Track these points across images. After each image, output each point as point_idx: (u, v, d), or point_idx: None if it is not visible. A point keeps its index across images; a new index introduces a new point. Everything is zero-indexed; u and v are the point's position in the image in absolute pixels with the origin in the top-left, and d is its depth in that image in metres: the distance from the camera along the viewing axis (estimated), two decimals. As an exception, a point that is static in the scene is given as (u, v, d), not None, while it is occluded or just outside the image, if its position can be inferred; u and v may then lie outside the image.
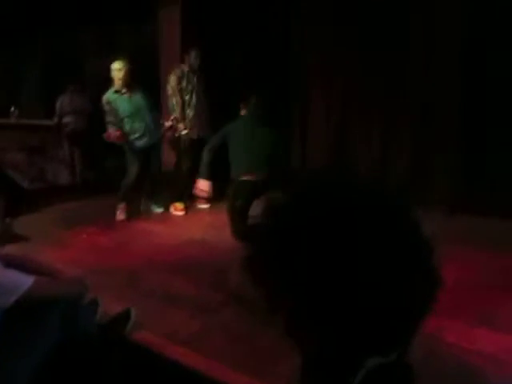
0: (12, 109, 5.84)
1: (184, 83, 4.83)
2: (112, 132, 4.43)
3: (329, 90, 5.54)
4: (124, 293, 2.82)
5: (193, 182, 4.88)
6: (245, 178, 3.64)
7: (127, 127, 4.51)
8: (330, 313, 0.56)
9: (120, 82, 4.40)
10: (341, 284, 0.54)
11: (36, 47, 8.14)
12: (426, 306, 0.59)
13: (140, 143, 4.58)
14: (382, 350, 0.59)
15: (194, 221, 4.65)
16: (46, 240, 3.88)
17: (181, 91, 4.83)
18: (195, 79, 4.88)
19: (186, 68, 4.87)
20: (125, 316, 2.28)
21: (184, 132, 4.86)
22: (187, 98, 4.87)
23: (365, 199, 0.59)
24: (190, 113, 4.87)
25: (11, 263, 1.73)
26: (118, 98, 4.46)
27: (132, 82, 4.50)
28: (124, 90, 4.46)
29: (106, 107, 4.45)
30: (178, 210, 4.90)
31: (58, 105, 6.54)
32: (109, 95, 4.49)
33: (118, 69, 4.38)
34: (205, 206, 5.10)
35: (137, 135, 4.55)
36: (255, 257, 0.63)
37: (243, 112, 3.92)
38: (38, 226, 4.29)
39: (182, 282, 3.02)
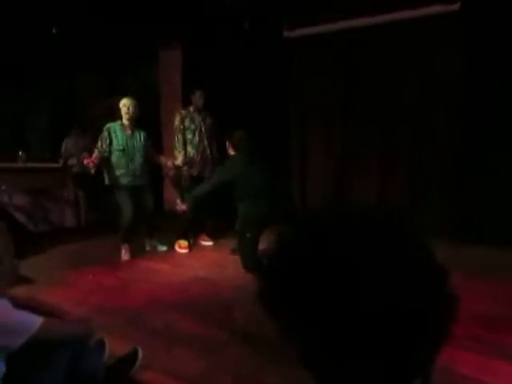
0: (20, 153, 5.97)
1: (187, 122, 4.99)
2: (88, 156, 4.50)
3: (327, 128, 5.67)
4: (129, 332, 2.81)
5: (196, 220, 4.97)
6: (252, 214, 3.85)
7: (114, 160, 4.55)
8: (347, 344, 0.55)
9: (127, 116, 4.55)
10: (354, 315, 0.54)
11: (42, 92, 8.38)
12: (445, 327, 0.58)
13: (124, 181, 4.58)
14: (403, 378, 0.57)
15: (198, 258, 4.66)
16: (52, 281, 3.89)
17: (183, 130, 4.98)
18: (200, 119, 5.03)
19: (191, 108, 5.04)
20: (132, 356, 2.27)
21: (184, 168, 4.95)
22: (189, 136, 5.00)
23: (372, 229, 0.59)
24: (191, 151, 4.99)
25: (19, 304, 1.75)
26: (119, 131, 4.57)
27: (136, 121, 4.65)
28: (128, 126, 4.60)
29: (104, 133, 4.54)
30: (181, 247, 4.92)
31: (63, 147, 6.70)
32: (113, 124, 4.62)
33: (125, 105, 4.54)
34: (208, 243, 5.14)
35: (122, 171, 4.57)
36: (266, 291, 0.64)
37: (232, 151, 4.11)
38: (43, 268, 4.31)
39: (188, 321, 3.01)
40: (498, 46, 4.47)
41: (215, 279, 3.87)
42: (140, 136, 4.69)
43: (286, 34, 5.67)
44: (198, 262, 4.51)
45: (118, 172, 4.57)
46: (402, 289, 0.54)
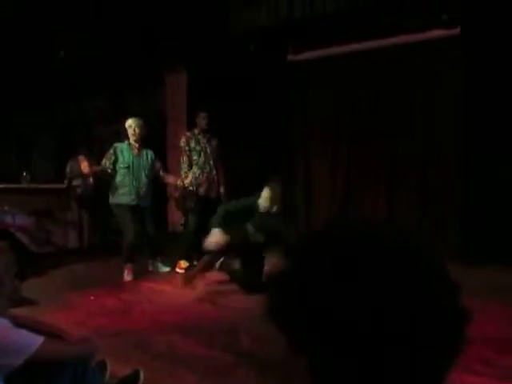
0: (24, 174, 6.00)
1: (193, 144, 5.03)
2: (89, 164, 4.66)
3: (332, 150, 5.68)
4: (132, 355, 2.74)
5: (199, 240, 4.93)
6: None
7: (119, 178, 4.60)
8: (357, 356, 0.53)
9: (134, 138, 4.63)
10: (363, 328, 0.52)
11: (49, 115, 8.48)
12: (457, 344, 0.56)
13: (126, 199, 4.60)
14: None
15: (201, 279, 4.59)
16: (54, 303, 3.84)
17: (189, 151, 5.02)
18: (205, 140, 5.08)
19: (196, 130, 5.10)
20: (133, 377, 2.21)
21: (190, 189, 4.96)
22: (195, 157, 5.03)
23: (381, 242, 0.58)
24: (197, 171, 5.00)
25: (20, 324, 1.71)
26: (126, 150, 4.64)
27: (143, 141, 4.72)
28: (136, 146, 4.65)
29: (110, 151, 4.61)
30: (181, 268, 4.87)
31: (67, 169, 6.72)
32: (120, 144, 4.71)
33: (131, 126, 4.61)
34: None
35: (125, 190, 4.60)
36: (278, 304, 0.62)
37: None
38: (45, 289, 4.26)
39: (191, 343, 2.94)
40: (497, 67, 4.51)
41: (219, 301, 3.81)
42: (147, 155, 4.76)
43: (290, 57, 5.74)
44: (200, 282, 4.45)
45: (122, 190, 4.60)
46: (414, 304, 0.53)
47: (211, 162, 5.09)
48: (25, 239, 5.43)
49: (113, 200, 4.65)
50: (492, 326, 3.04)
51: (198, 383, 2.42)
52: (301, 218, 5.83)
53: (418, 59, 4.99)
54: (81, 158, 4.81)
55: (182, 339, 3.00)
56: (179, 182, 4.93)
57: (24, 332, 1.61)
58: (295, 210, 5.89)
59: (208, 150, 5.08)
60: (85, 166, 4.55)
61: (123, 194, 4.59)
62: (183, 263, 4.89)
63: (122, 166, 4.59)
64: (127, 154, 4.62)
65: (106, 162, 4.59)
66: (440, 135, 4.96)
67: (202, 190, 5.02)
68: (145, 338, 3.03)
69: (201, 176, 5.02)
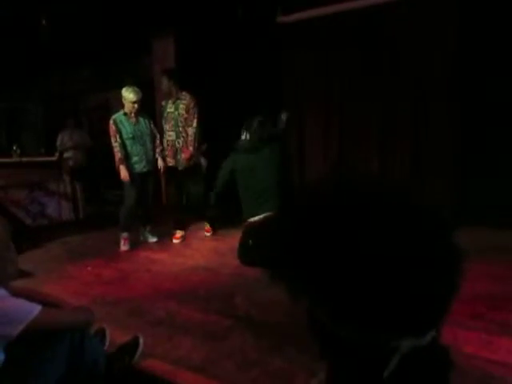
0: (14, 147, 5.93)
1: (165, 113, 4.83)
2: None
3: (324, 113, 5.63)
4: (130, 323, 2.79)
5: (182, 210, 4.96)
6: (256, 218, 3.76)
7: (128, 149, 4.58)
8: (360, 292, 0.55)
9: (131, 110, 4.54)
10: (360, 269, 0.54)
11: (35, 87, 8.30)
12: (452, 280, 0.58)
13: (138, 167, 4.61)
14: (415, 330, 0.56)
15: (198, 248, 4.63)
16: (51, 274, 3.87)
17: (163, 120, 4.84)
18: (171, 105, 4.76)
19: (168, 98, 4.82)
20: (133, 344, 2.25)
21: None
22: (165, 126, 4.83)
23: (375, 193, 0.60)
24: (164, 141, 4.83)
25: (17, 294, 1.72)
26: (125, 120, 4.58)
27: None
28: (132, 115, 4.59)
29: (112, 127, 4.52)
30: (176, 238, 4.90)
31: (58, 141, 6.66)
32: (117, 116, 4.60)
33: (132, 101, 4.49)
34: (208, 233, 5.11)
35: (136, 159, 4.60)
36: (279, 255, 0.63)
37: (242, 138, 3.98)
38: (41, 262, 4.28)
39: (189, 309, 2.99)
40: (491, 21, 4.43)
41: (215, 268, 3.85)
42: (145, 121, 4.71)
43: (279, 19, 5.60)
44: (197, 251, 4.49)
45: (134, 159, 4.60)
46: (412, 246, 0.55)
47: (178, 129, 4.73)
48: (19, 213, 5.44)
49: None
50: (483, 284, 3.11)
51: (195, 348, 2.47)
52: (294, 178, 5.84)
53: (408, 17, 4.88)
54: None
55: (179, 305, 3.05)
56: (160, 163, 4.80)
57: (22, 301, 1.63)
58: (288, 171, 5.90)
59: (174, 115, 4.74)
60: (124, 176, 4.50)
61: (135, 163, 4.59)
62: (178, 233, 4.91)
63: (126, 136, 4.55)
64: (127, 125, 4.58)
65: (117, 140, 4.51)
66: (433, 94, 4.91)
67: (169, 160, 4.81)
68: (142, 305, 3.07)
69: (166, 144, 4.81)
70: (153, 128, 4.80)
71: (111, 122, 4.56)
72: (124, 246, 4.66)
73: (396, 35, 5.01)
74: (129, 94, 4.49)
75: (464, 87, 4.67)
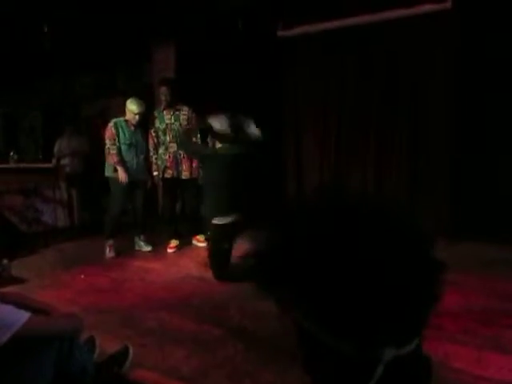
0: (11, 153, 5.93)
1: (157, 123, 4.79)
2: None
3: (322, 126, 5.66)
4: (121, 332, 2.77)
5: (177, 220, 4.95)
6: (226, 221, 3.68)
7: (121, 155, 4.62)
8: (347, 303, 0.57)
9: (133, 121, 4.62)
10: (346, 281, 0.56)
11: (34, 93, 8.33)
12: (433, 290, 0.61)
13: (128, 175, 4.61)
14: (398, 340, 0.59)
15: (192, 257, 4.61)
16: (44, 281, 3.85)
17: (155, 132, 4.80)
18: (170, 116, 4.75)
19: (162, 107, 4.82)
20: (122, 354, 2.24)
21: (155, 173, 4.83)
22: (162, 137, 4.79)
23: (359, 211, 0.63)
24: (162, 152, 4.80)
25: (6, 301, 1.72)
26: (125, 126, 4.64)
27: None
28: (133, 124, 4.66)
29: (111, 130, 4.57)
30: (171, 247, 4.89)
31: (56, 147, 6.66)
32: (118, 120, 4.66)
33: (136, 113, 4.56)
34: (202, 244, 5.09)
35: (127, 165, 4.63)
36: (267, 270, 0.65)
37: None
38: (35, 268, 4.27)
39: (181, 319, 2.98)
40: (489, 40, 4.48)
41: (209, 277, 3.82)
42: (141, 132, 4.77)
43: (280, 33, 5.66)
44: (191, 261, 4.47)
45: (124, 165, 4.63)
46: (392, 255, 0.58)
47: (179, 140, 4.70)
48: (14, 219, 5.43)
49: (113, 174, 4.63)
50: (477, 298, 3.12)
51: (186, 358, 2.45)
52: (291, 190, 5.86)
53: (408, 34, 4.93)
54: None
55: (170, 315, 3.04)
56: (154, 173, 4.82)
57: (10, 308, 1.62)
58: (286, 183, 5.93)
59: (175, 126, 4.75)
60: (122, 177, 4.53)
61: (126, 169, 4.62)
62: (173, 243, 4.90)
63: (122, 142, 4.61)
64: (126, 131, 4.64)
65: (115, 143, 4.57)
66: (430, 111, 4.95)
67: (169, 171, 4.77)
68: (134, 314, 3.05)
69: (167, 156, 4.77)
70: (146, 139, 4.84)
71: (111, 124, 4.62)
72: (110, 253, 4.67)
73: (394, 50, 5.06)
74: (132, 106, 4.57)
75: (462, 100, 4.70)
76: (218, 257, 3.72)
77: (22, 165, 5.95)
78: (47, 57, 6.85)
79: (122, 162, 4.60)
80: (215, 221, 3.72)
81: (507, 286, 3.33)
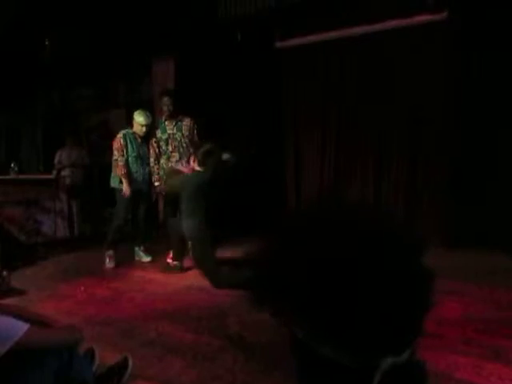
0: (12, 165, 5.95)
1: (159, 133, 4.84)
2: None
3: (321, 136, 5.70)
4: (121, 343, 2.76)
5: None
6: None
7: (129, 166, 4.69)
8: (337, 320, 0.58)
9: (140, 133, 4.71)
10: (342, 293, 0.57)
11: (36, 105, 8.39)
12: (425, 299, 0.62)
13: (134, 186, 4.69)
14: (393, 349, 0.59)
15: (192, 267, 4.60)
16: (44, 293, 3.84)
17: (157, 142, 4.83)
18: (172, 126, 4.78)
19: (163, 117, 4.88)
20: (122, 365, 2.23)
21: (157, 184, 4.86)
22: (163, 147, 4.83)
23: (354, 225, 0.63)
24: (164, 162, 4.83)
25: (5, 313, 1.72)
26: (133, 139, 4.72)
27: None
28: (140, 135, 4.75)
29: (120, 142, 4.63)
30: (170, 257, 4.87)
31: (56, 158, 6.69)
32: (127, 132, 4.72)
33: (144, 125, 4.66)
34: None
35: (133, 177, 4.71)
36: (264, 281, 0.66)
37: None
38: (35, 279, 4.27)
39: (181, 330, 2.97)
40: (485, 49, 4.53)
41: (209, 287, 3.82)
42: (145, 144, 4.83)
43: (277, 44, 5.71)
44: (191, 271, 4.46)
45: (131, 177, 4.70)
46: (383, 264, 0.58)
47: (182, 150, 4.77)
48: (14, 230, 5.43)
49: (119, 185, 4.68)
50: (474, 307, 3.12)
51: (186, 369, 2.44)
52: (291, 201, 5.88)
53: (405, 44, 4.99)
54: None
55: (170, 326, 3.03)
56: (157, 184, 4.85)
57: (8, 319, 1.62)
58: (285, 194, 5.95)
59: (177, 136, 4.79)
60: (126, 190, 4.59)
61: (132, 181, 4.68)
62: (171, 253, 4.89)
63: (130, 154, 4.69)
64: (134, 143, 4.72)
65: (123, 154, 4.63)
66: (428, 121, 4.98)
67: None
68: (133, 325, 3.05)
69: (168, 166, 4.76)
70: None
71: (120, 136, 4.68)
72: (109, 264, 4.68)
73: (392, 59, 5.11)
74: (140, 118, 4.67)
75: (460, 114, 4.73)
76: (205, 264, 3.80)
77: (22, 176, 5.96)
78: (48, 70, 6.92)
79: (128, 174, 4.65)
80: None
81: (508, 295, 3.32)
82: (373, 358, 0.58)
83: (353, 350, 0.58)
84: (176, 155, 4.79)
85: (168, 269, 4.45)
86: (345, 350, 0.58)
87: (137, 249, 4.97)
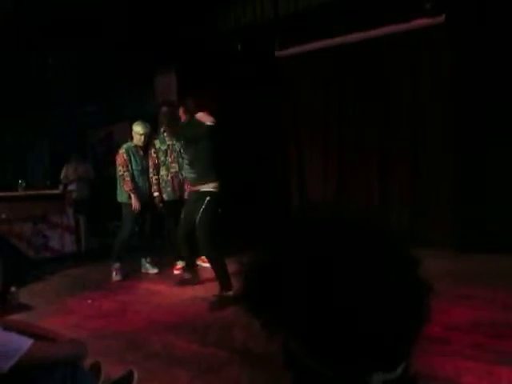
0: (20, 181, 6.03)
1: (158, 144, 4.85)
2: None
3: (323, 142, 5.71)
4: (127, 355, 2.77)
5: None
6: None
7: (134, 180, 4.72)
8: (330, 338, 0.56)
9: (140, 144, 4.76)
10: (331, 306, 0.56)
11: (43, 122, 8.49)
12: (421, 315, 0.60)
13: (141, 199, 4.71)
14: (385, 366, 0.58)
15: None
16: (51, 307, 3.87)
17: (156, 153, 4.83)
18: (171, 137, 4.77)
19: (162, 128, 4.88)
20: (127, 379, 2.23)
21: (156, 194, 4.84)
22: (162, 158, 4.83)
23: (349, 232, 0.62)
24: (163, 173, 4.83)
25: (10, 328, 1.73)
26: (136, 153, 4.76)
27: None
28: (141, 148, 4.80)
29: (123, 157, 4.65)
30: (177, 269, 4.88)
31: (62, 173, 6.76)
32: (129, 146, 4.75)
33: (142, 134, 4.71)
34: (207, 264, 5.06)
35: (140, 190, 4.74)
36: (253, 290, 0.65)
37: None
38: (42, 294, 4.30)
39: (186, 341, 2.97)
40: (483, 53, 4.53)
41: (213, 298, 3.81)
42: (147, 156, 4.87)
43: (277, 53, 5.76)
44: (197, 282, 4.47)
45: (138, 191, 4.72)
46: (375, 286, 0.57)
47: (181, 160, 4.69)
48: (22, 245, 5.48)
49: (127, 200, 4.70)
50: (486, 311, 3.08)
51: (192, 381, 2.44)
52: (295, 204, 5.88)
53: (404, 49, 5.00)
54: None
55: (176, 338, 3.03)
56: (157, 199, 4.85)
57: (12, 335, 1.64)
58: (289, 198, 5.95)
59: (176, 147, 4.79)
60: (136, 205, 4.64)
61: (138, 194, 4.70)
62: (179, 264, 4.90)
63: (135, 167, 4.72)
64: (137, 157, 4.76)
65: (129, 169, 4.67)
66: (428, 123, 4.98)
67: (170, 193, 4.80)
68: (139, 337, 3.05)
69: (168, 177, 4.81)
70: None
71: (123, 151, 4.70)
72: (116, 277, 4.70)
73: (392, 66, 5.12)
74: (137, 127, 4.73)
75: (461, 112, 4.72)
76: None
77: (30, 192, 6.02)
78: (53, 86, 7.01)
79: (136, 188, 4.67)
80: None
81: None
82: (363, 374, 0.57)
83: (342, 366, 0.57)
84: (175, 166, 4.82)
85: (182, 283, 4.41)
86: (334, 366, 0.57)
87: (143, 261, 4.98)
